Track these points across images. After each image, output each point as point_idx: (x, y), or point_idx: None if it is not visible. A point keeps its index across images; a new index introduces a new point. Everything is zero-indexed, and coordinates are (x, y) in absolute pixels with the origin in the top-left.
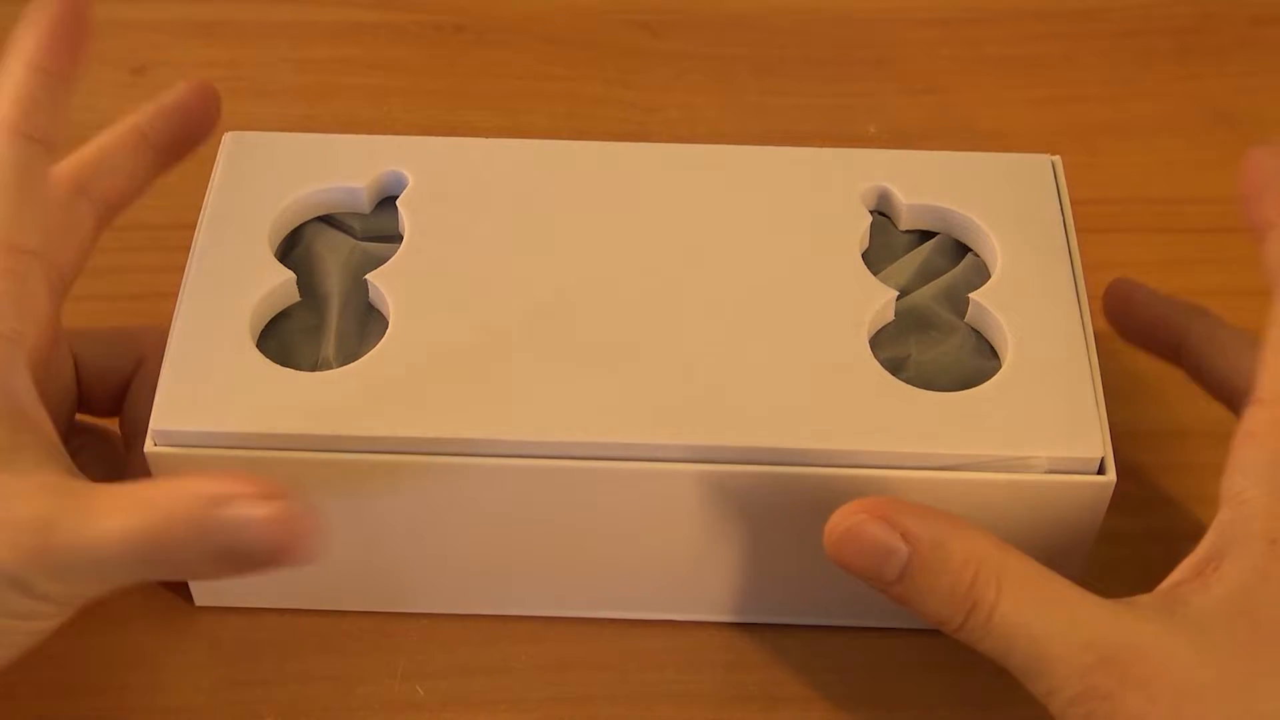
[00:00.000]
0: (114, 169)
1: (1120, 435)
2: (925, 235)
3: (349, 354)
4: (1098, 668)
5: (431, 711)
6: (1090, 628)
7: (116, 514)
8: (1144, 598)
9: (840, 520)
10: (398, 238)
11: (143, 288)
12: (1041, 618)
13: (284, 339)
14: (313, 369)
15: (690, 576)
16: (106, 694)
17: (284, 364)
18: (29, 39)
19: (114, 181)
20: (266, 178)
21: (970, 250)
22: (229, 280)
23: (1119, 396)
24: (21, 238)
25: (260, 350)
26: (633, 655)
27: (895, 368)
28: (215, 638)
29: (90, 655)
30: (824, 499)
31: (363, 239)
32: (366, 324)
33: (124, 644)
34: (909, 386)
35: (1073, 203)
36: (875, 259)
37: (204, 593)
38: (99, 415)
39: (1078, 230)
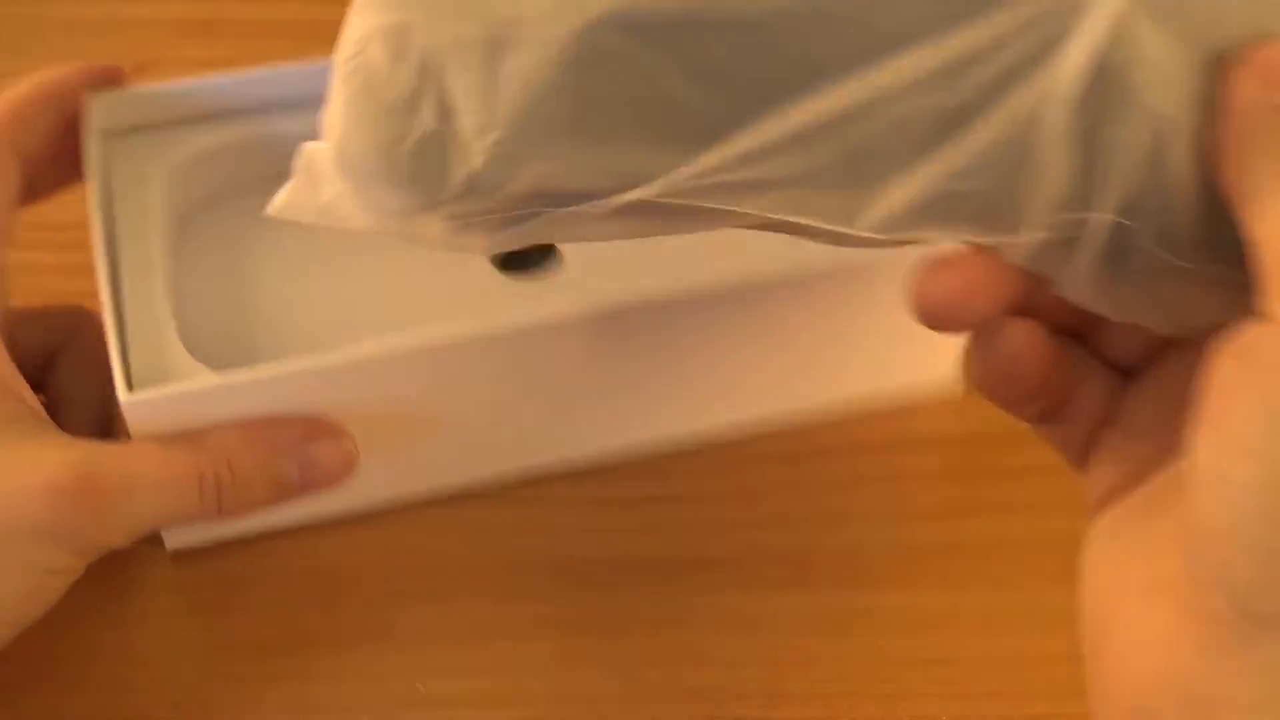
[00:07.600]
0: (34, 129)
1: None
2: None
3: None
4: None
5: (431, 709)
6: None
7: (161, 456)
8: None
9: None
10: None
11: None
12: None
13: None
14: None
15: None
16: (110, 691)
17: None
18: (59, 71)
19: (34, 141)
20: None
21: None
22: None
23: None
24: None
25: None
26: (633, 653)
27: None
28: (217, 636)
29: (94, 653)
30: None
31: None
32: None
33: (128, 642)
34: None
35: None
36: None
37: (176, 536)
38: None
39: None
